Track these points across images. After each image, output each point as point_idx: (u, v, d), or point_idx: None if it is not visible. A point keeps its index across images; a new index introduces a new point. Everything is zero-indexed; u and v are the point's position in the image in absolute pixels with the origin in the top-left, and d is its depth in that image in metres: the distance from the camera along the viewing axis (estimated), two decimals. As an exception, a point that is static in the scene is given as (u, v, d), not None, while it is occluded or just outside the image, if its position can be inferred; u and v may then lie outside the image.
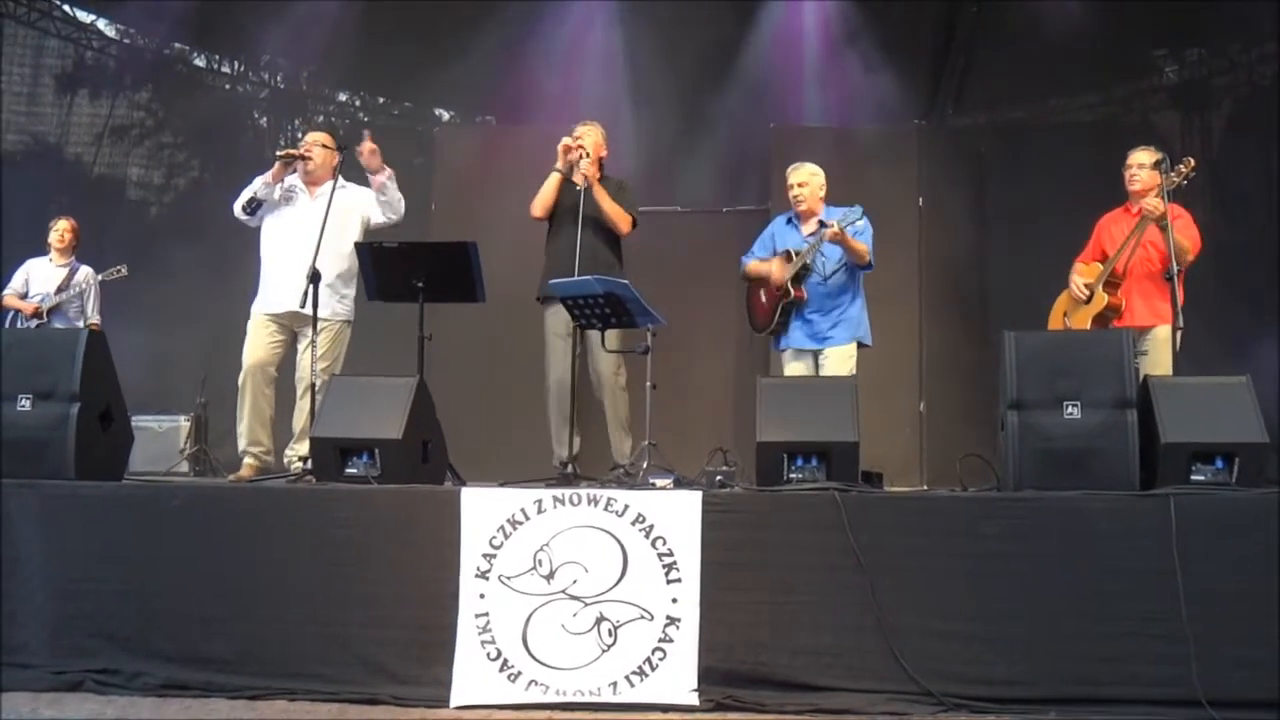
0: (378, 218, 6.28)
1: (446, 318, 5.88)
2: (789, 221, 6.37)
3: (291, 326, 6.22)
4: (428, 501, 4.41)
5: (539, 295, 6.39)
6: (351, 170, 6.36)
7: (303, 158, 6.26)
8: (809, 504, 4.25)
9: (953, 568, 4.14)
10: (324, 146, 6.34)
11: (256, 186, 6.23)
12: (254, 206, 6.24)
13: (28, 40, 10.79)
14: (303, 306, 5.73)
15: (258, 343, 6.20)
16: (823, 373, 6.08)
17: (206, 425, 8.35)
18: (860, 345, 6.23)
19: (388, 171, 6.23)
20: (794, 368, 6.23)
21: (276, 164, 6.25)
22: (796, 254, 6.15)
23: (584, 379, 6.35)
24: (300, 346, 6.21)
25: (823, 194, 6.27)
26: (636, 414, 5.67)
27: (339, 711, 4.00)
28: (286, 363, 6.37)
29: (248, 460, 6.18)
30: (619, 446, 6.34)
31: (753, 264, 6.40)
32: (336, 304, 6.23)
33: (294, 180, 6.32)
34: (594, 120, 6.59)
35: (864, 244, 6.05)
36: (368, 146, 6.10)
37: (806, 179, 6.25)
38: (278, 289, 6.14)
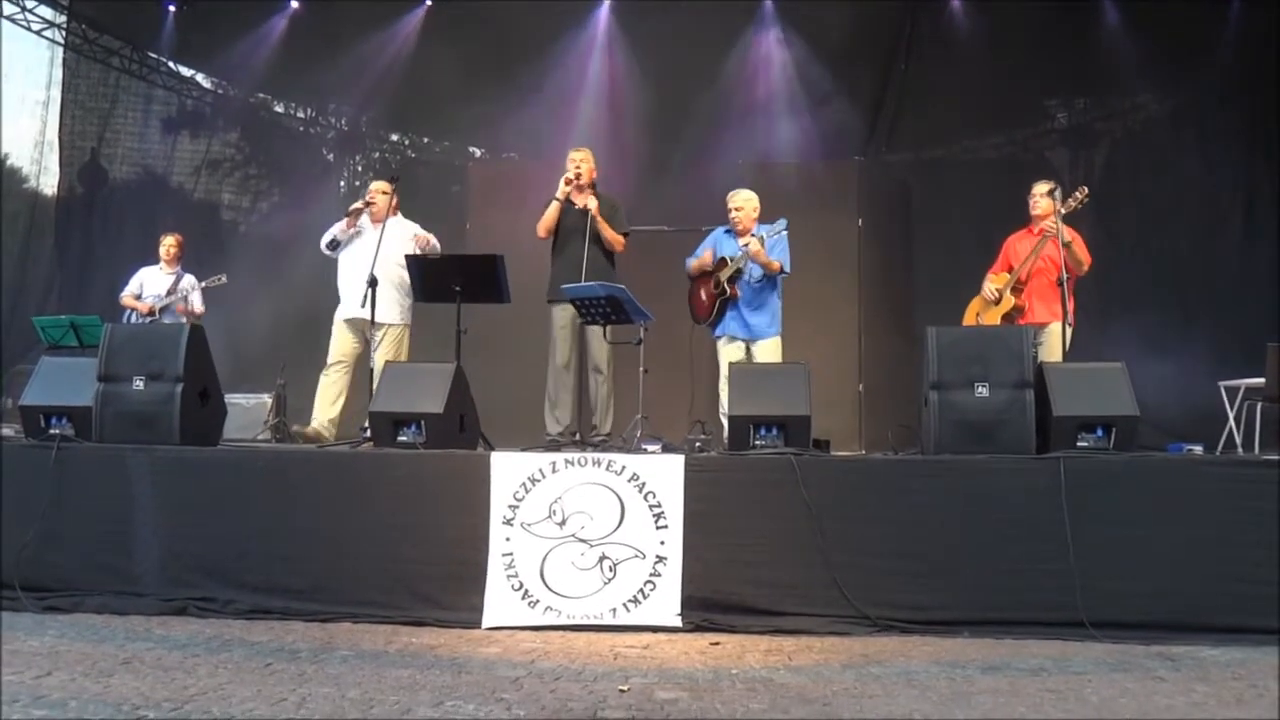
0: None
1: (478, 315, 5.82)
2: (727, 233, 6.27)
3: (363, 330, 6.34)
4: (464, 463, 4.38)
5: (548, 297, 6.33)
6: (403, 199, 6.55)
7: (368, 204, 6.42)
8: (770, 466, 4.24)
9: (885, 516, 4.14)
10: (383, 193, 6.44)
11: (335, 232, 6.48)
12: (334, 245, 6.48)
13: (139, 91, 10.80)
14: (362, 307, 5.95)
15: (337, 343, 6.44)
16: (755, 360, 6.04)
17: (285, 401, 8.34)
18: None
19: (435, 244, 6.47)
20: (728, 351, 6.15)
21: (348, 216, 6.46)
22: (731, 259, 6.13)
23: (581, 365, 6.33)
24: (372, 345, 6.29)
25: (755, 215, 6.16)
26: (631, 392, 5.62)
27: (393, 632, 3.97)
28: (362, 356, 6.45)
29: (315, 428, 6.35)
30: (604, 420, 6.25)
31: (694, 262, 6.34)
32: (396, 310, 6.37)
33: (362, 221, 6.47)
34: (585, 146, 6.45)
35: (776, 260, 5.99)
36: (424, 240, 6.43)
37: (743, 204, 6.16)
38: (350, 301, 6.32)
